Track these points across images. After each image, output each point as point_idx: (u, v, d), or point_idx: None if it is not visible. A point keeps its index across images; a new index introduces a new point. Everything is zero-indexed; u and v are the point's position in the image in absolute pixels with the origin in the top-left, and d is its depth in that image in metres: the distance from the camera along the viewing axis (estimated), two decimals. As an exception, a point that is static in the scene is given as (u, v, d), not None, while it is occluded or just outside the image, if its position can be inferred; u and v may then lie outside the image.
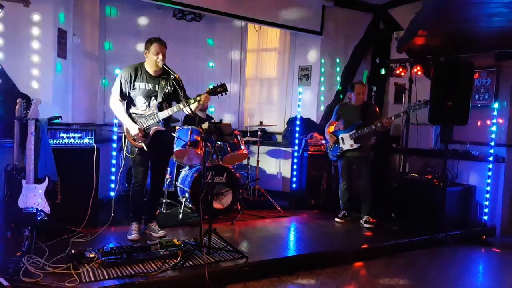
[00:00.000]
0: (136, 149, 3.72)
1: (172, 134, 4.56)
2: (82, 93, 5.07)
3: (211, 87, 3.60)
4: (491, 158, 4.95)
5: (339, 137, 4.81)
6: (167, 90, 3.72)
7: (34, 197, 3.27)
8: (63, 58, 4.56)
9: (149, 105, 3.68)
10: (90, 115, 5.34)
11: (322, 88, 6.35)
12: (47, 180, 3.36)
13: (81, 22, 5.00)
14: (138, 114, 3.69)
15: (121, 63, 3.77)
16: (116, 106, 3.70)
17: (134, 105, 3.70)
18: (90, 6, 5.24)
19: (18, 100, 3.42)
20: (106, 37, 5.63)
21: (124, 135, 3.76)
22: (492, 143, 4.97)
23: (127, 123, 3.67)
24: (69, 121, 4.53)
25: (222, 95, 3.58)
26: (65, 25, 4.56)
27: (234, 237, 4.10)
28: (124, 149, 3.81)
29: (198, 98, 3.54)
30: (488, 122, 5.09)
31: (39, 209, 3.28)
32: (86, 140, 3.97)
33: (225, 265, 3.28)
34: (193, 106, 3.58)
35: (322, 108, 6.37)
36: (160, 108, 3.68)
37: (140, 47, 3.72)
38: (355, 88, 4.78)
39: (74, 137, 3.93)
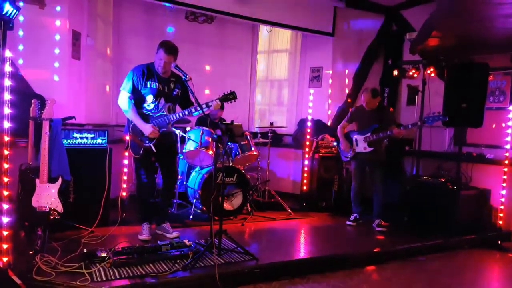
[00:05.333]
0: (141, 150, 3.72)
1: (183, 134, 4.58)
2: (95, 93, 5.12)
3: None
4: (506, 162, 4.86)
5: (353, 138, 4.76)
6: (176, 93, 3.78)
7: (47, 197, 3.31)
8: (77, 60, 4.61)
9: (157, 105, 3.70)
10: (103, 115, 5.38)
11: (333, 90, 6.31)
12: (60, 179, 3.39)
13: (95, 23, 5.05)
14: (148, 114, 3.70)
15: (134, 65, 3.83)
16: (126, 103, 3.65)
17: (144, 104, 3.70)
18: (103, 8, 5.29)
19: (33, 101, 3.47)
20: (118, 39, 5.67)
21: (130, 135, 3.73)
22: (507, 146, 4.88)
23: (138, 121, 3.64)
24: (82, 121, 4.58)
25: (231, 102, 3.66)
26: (79, 26, 4.62)
27: (244, 238, 4.09)
28: (130, 149, 3.78)
29: (210, 105, 3.59)
30: (503, 124, 5.00)
31: (52, 208, 3.31)
32: (99, 141, 4.00)
33: (236, 267, 3.27)
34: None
35: (333, 110, 6.33)
36: (169, 110, 3.72)
37: (153, 49, 3.76)
38: (362, 96, 4.73)
39: (87, 137, 3.96)
